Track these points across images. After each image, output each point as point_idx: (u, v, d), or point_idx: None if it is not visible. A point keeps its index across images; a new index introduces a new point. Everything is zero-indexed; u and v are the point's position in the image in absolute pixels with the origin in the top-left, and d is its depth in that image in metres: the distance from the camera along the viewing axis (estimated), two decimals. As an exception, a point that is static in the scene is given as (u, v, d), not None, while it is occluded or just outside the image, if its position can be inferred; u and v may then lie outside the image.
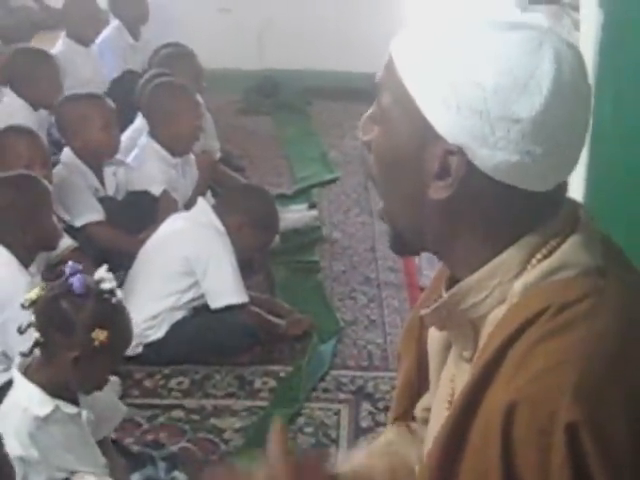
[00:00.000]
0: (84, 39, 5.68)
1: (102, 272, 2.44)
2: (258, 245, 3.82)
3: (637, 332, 1.16)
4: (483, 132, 1.14)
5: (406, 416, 1.59)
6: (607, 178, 2.48)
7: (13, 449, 2.32)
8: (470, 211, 1.21)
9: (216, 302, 3.53)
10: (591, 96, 1.22)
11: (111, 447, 2.68)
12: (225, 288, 3.53)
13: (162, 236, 3.66)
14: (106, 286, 2.39)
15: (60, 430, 2.43)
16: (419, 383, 1.52)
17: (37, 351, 2.42)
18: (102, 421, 2.61)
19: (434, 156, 1.18)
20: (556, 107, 1.15)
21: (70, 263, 2.42)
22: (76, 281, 2.35)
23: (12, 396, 2.47)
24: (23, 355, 2.47)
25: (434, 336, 1.40)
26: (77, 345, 2.35)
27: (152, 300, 3.49)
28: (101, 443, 2.59)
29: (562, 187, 1.24)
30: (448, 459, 1.15)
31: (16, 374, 2.44)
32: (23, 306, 2.39)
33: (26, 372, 2.43)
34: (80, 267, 2.41)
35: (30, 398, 2.40)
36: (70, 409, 2.44)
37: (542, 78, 1.14)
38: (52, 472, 2.42)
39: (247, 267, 3.93)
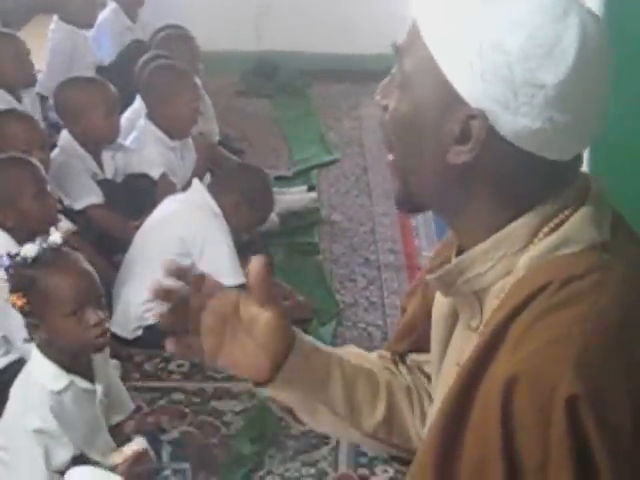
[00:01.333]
0: (79, 23, 5.64)
1: (54, 234, 2.54)
2: (254, 223, 3.82)
3: None
4: (506, 97, 1.15)
5: (400, 356, 1.61)
6: (609, 155, 2.48)
7: (30, 423, 2.39)
8: (487, 177, 1.21)
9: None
10: (611, 69, 1.22)
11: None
12: (221, 269, 3.51)
13: (158, 218, 3.65)
14: (26, 254, 2.45)
15: (74, 406, 2.48)
16: (419, 333, 1.53)
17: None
18: (112, 407, 2.67)
19: (456, 120, 1.19)
20: (580, 75, 1.15)
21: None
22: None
23: (27, 371, 2.52)
24: (26, 341, 2.51)
25: (439, 303, 1.41)
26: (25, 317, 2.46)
27: (150, 282, 3.48)
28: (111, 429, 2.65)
29: (579, 159, 1.24)
30: (451, 433, 1.15)
31: (34, 350, 2.50)
32: None
33: (42, 348, 2.49)
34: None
35: (45, 373, 2.46)
36: (85, 384, 2.49)
37: (568, 46, 1.14)
38: (75, 448, 2.46)
39: (245, 249, 3.92)
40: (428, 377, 1.55)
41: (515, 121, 1.16)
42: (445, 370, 1.39)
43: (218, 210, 3.59)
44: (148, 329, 3.48)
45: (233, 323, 1.38)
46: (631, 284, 1.17)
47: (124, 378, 3.17)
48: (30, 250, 2.44)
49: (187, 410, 3.12)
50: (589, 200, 1.23)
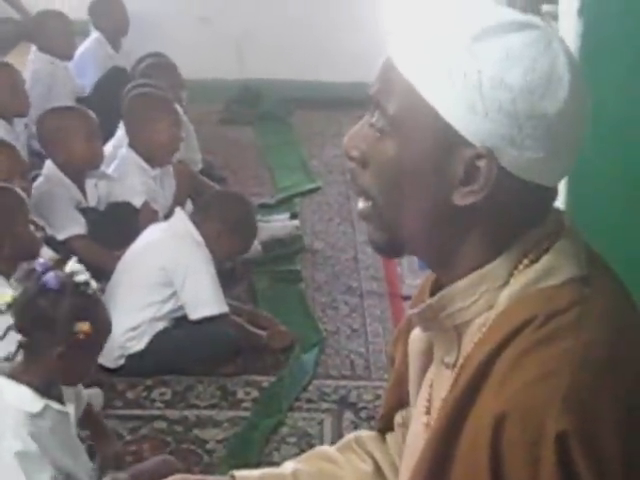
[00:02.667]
0: (58, 54, 5.65)
1: (73, 264, 2.46)
2: (237, 251, 3.82)
3: (623, 340, 1.16)
4: (512, 133, 1.14)
5: (390, 416, 1.58)
6: (585, 189, 2.50)
7: (11, 446, 2.35)
8: (490, 213, 1.19)
9: (195, 313, 3.52)
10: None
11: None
12: (203, 299, 3.52)
13: (140, 247, 3.66)
14: (80, 278, 2.41)
15: (52, 429, 2.44)
16: (406, 387, 1.49)
17: (20, 354, 2.44)
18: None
19: (459, 161, 1.17)
20: (575, 98, 1.16)
21: (40, 261, 2.46)
22: (50, 278, 2.38)
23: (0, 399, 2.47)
24: (7, 359, 2.48)
25: (415, 340, 1.39)
26: (61, 340, 2.38)
27: (132, 311, 3.48)
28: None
29: (556, 189, 1.24)
30: (437, 472, 1.15)
31: (0, 379, 2.44)
32: (0, 311, 2.40)
33: (12, 375, 2.43)
34: (50, 264, 2.45)
35: (21, 398, 2.41)
36: (59, 406, 2.47)
37: (562, 73, 1.16)
38: (55, 471, 2.42)
39: (229, 277, 3.93)
40: None
41: (520, 154, 1.15)
42: (417, 407, 1.38)
43: (200, 239, 3.59)
44: (130, 358, 3.47)
45: None
46: (613, 317, 1.17)
47: (106, 406, 3.17)
48: (91, 283, 2.45)
49: (169, 439, 3.11)
50: (565, 233, 1.23)
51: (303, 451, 3.01)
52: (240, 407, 3.30)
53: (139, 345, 3.48)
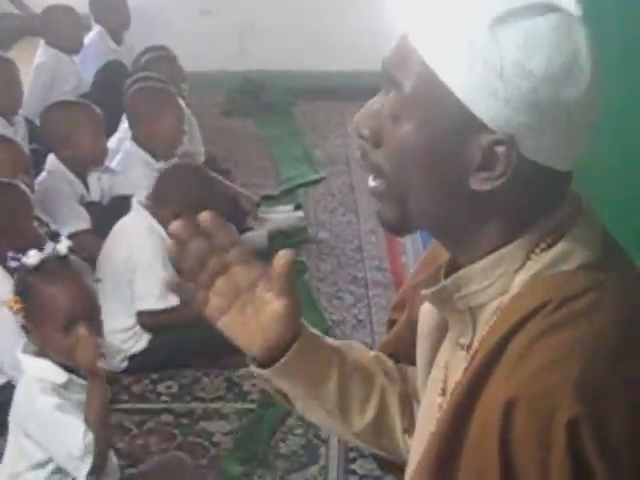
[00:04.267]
0: (66, 48, 5.66)
1: (60, 245, 2.51)
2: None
3: (636, 328, 1.15)
4: (532, 121, 1.12)
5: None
6: (585, 173, 2.50)
7: (47, 403, 2.38)
8: (506, 199, 1.18)
9: (139, 304, 3.49)
10: None
11: None
12: (149, 292, 3.47)
13: (109, 244, 3.63)
14: (29, 260, 2.45)
15: (78, 402, 2.44)
16: (406, 347, 1.48)
17: None
18: None
19: (477, 147, 1.14)
20: (594, 86, 1.15)
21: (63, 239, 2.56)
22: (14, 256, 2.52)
23: (24, 379, 2.48)
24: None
25: (425, 317, 1.38)
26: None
27: (122, 311, 3.46)
28: None
29: (571, 173, 1.23)
30: (447, 453, 1.15)
31: (21, 356, 2.46)
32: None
33: (32, 351, 2.47)
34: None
35: (44, 370, 2.43)
36: (82, 381, 2.47)
37: (583, 61, 1.13)
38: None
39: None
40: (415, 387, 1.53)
41: (539, 141, 1.13)
42: (430, 386, 1.38)
43: (157, 226, 3.51)
44: (133, 358, 3.46)
45: (246, 297, 1.37)
46: (626, 304, 1.17)
47: (112, 400, 3.16)
48: (33, 257, 2.43)
49: (176, 432, 3.12)
50: (581, 217, 1.22)
51: (310, 442, 3.03)
52: (246, 399, 3.30)
53: (139, 345, 3.46)
